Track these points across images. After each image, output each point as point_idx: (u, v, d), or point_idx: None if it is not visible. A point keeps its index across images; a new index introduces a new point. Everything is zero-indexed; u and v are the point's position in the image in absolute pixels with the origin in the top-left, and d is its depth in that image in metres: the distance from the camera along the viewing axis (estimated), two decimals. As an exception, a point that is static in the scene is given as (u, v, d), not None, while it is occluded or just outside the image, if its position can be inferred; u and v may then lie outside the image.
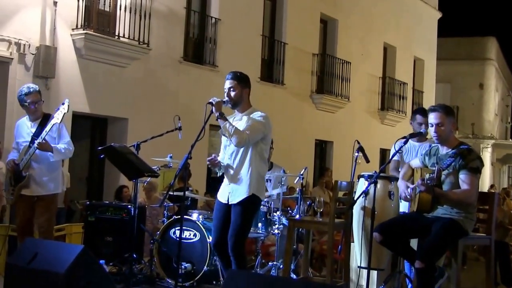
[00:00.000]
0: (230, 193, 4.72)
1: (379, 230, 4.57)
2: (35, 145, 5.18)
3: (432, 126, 4.54)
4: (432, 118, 4.54)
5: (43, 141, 5.15)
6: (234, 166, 4.73)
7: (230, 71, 4.87)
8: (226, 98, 4.72)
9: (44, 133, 5.16)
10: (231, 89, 4.72)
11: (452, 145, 4.57)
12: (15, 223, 5.66)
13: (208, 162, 4.77)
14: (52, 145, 5.26)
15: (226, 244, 4.72)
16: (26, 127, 5.47)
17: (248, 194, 4.66)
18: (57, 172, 5.54)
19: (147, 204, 7.77)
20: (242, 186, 4.68)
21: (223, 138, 4.81)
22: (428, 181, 4.37)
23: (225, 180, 4.83)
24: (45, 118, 5.38)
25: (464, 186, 4.43)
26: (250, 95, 4.84)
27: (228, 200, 4.73)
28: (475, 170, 4.44)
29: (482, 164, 4.54)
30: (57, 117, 5.18)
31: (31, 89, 5.38)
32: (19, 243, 5.28)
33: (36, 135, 5.28)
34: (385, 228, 4.59)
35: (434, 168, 4.41)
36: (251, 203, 4.72)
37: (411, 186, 4.57)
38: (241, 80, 4.75)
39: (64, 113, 5.16)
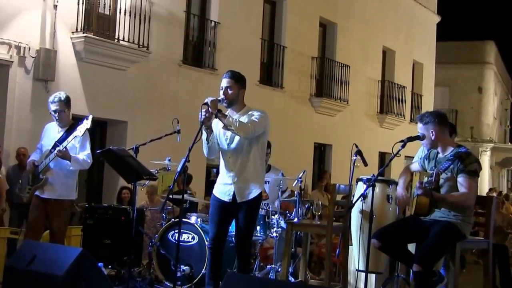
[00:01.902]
0: (237, 191, 4.66)
1: (377, 236, 4.57)
2: (55, 151, 5.31)
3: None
4: (419, 128, 4.62)
5: (63, 149, 5.28)
6: (239, 164, 4.66)
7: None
8: (222, 97, 4.66)
9: (65, 142, 5.31)
10: (229, 88, 4.67)
11: (450, 148, 4.59)
12: (27, 221, 5.78)
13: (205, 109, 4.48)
14: (72, 154, 5.37)
15: (224, 243, 4.74)
16: (54, 131, 5.58)
17: (260, 190, 4.67)
18: (73, 180, 5.61)
19: (149, 207, 7.77)
20: (252, 184, 4.65)
21: (223, 139, 4.75)
22: (426, 184, 4.38)
23: (225, 179, 4.74)
24: (72, 126, 5.49)
25: (462, 189, 4.45)
26: (245, 96, 4.81)
27: (232, 199, 4.66)
28: (473, 173, 4.46)
29: (480, 167, 4.56)
30: (79, 130, 5.31)
31: (55, 98, 5.51)
32: (25, 241, 5.33)
33: (59, 141, 5.41)
34: (383, 234, 4.59)
35: (432, 172, 4.42)
36: (259, 200, 4.74)
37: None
38: (238, 80, 4.72)
39: (87, 128, 5.29)
